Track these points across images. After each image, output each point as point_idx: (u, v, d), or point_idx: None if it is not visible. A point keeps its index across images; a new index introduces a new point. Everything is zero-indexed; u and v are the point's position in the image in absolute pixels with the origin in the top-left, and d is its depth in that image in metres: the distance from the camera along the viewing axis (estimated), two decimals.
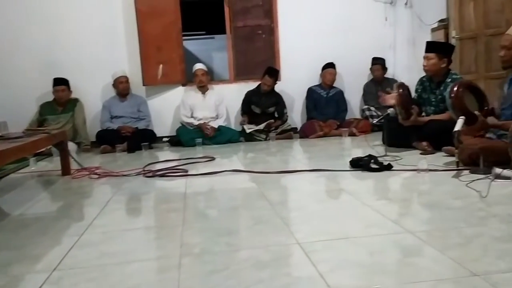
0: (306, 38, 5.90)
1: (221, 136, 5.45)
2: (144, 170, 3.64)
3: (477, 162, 2.87)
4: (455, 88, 2.99)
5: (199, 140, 5.23)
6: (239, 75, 6.10)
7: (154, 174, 3.50)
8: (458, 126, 2.84)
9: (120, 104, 5.58)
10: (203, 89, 5.70)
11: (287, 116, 5.76)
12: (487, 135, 3.17)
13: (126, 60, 5.77)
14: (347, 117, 5.85)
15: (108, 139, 5.21)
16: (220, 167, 3.62)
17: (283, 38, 5.95)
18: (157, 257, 1.79)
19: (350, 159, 3.33)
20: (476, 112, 2.97)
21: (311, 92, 5.87)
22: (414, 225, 1.92)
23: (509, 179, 2.56)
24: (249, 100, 5.74)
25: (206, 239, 1.93)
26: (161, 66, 5.76)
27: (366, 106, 5.86)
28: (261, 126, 5.52)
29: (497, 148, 2.90)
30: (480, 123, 2.96)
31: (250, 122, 5.62)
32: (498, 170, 2.60)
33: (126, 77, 5.60)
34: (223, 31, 6.12)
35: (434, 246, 1.67)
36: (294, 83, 5.94)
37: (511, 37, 2.98)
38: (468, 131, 3.04)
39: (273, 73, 5.64)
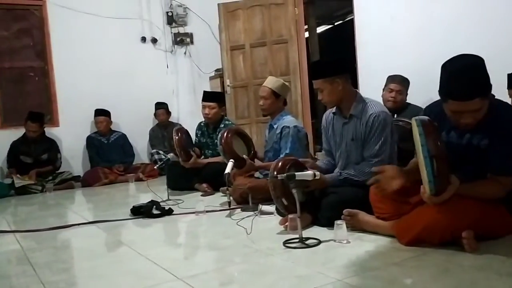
0: (86, 82, 5.63)
1: None
2: None
3: (248, 200, 3.14)
4: (224, 135, 3.25)
5: None
6: (8, 120, 5.41)
7: None
8: (228, 169, 3.06)
9: None
10: None
11: (61, 162, 5.31)
12: (255, 175, 3.51)
13: None
14: (134, 162, 5.76)
15: None
16: None
17: (60, 81, 5.56)
18: None
19: (131, 207, 3.25)
20: (244, 156, 3.26)
21: (90, 139, 5.59)
22: (185, 271, 1.94)
23: (272, 214, 2.86)
24: (16, 150, 5.09)
25: None
26: None
27: (154, 150, 5.87)
28: (31, 179, 4.94)
29: (262, 186, 3.22)
30: (248, 166, 3.26)
31: (21, 174, 4.98)
32: (263, 207, 2.90)
33: None
34: None
35: None
36: (75, 128, 5.57)
37: (268, 88, 3.42)
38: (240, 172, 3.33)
39: (36, 118, 5.08)
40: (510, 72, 3.05)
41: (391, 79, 3.77)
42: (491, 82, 1.85)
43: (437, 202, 1.88)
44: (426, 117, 1.94)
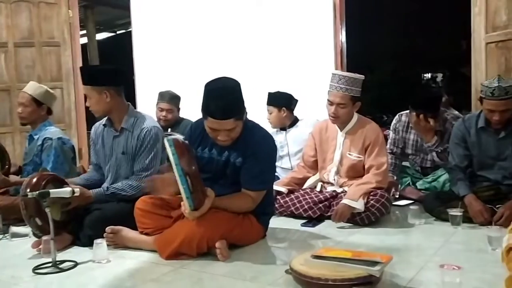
0: None
1: None
2: None
3: None
4: None
5: None
6: None
7: None
8: None
9: None
10: None
11: None
12: (10, 192, 3.07)
13: None
14: None
15: None
16: None
17: None
18: None
19: None
20: None
21: None
22: None
23: (27, 236, 2.53)
24: None
25: None
26: None
27: None
28: None
29: (17, 205, 2.83)
30: (1, 181, 2.83)
31: None
32: (14, 229, 2.54)
33: None
34: None
35: None
36: None
37: (28, 95, 3.03)
38: None
39: None
40: (271, 91, 3.44)
41: (161, 97, 3.75)
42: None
43: (197, 216, 1.96)
44: (178, 137, 2.03)
